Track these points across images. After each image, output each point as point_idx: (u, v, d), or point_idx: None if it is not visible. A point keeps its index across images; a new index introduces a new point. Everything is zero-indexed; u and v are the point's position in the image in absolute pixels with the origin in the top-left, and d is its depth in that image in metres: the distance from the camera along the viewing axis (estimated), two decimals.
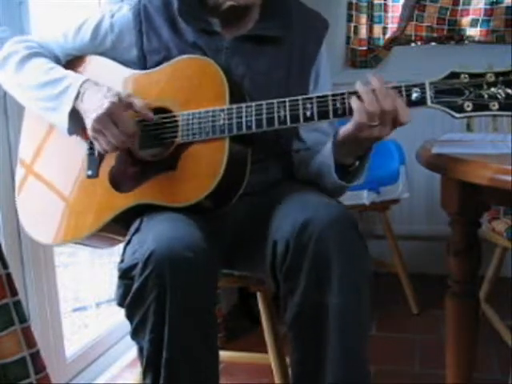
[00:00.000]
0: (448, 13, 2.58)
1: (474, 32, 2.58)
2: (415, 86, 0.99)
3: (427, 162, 1.15)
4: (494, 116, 0.97)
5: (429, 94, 0.98)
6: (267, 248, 1.08)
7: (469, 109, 0.96)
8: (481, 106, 0.96)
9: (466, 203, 1.17)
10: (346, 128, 1.04)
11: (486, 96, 0.96)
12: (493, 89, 0.95)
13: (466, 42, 2.63)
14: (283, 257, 1.03)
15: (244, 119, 1.07)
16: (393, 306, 2.34)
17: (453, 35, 2.63)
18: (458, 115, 0.97)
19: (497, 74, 0.95)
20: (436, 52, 2.66)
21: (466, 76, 0.97)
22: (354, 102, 0.99)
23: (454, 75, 0.98)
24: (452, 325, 1.27)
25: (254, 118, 1.07)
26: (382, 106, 0.96)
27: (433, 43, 2.71)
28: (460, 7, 2.57)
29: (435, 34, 2.64)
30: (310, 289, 1.01)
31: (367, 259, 1.03)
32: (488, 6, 2.52)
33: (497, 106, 0.95)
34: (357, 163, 1.11)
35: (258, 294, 1.36)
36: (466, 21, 2.58)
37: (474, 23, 2.56)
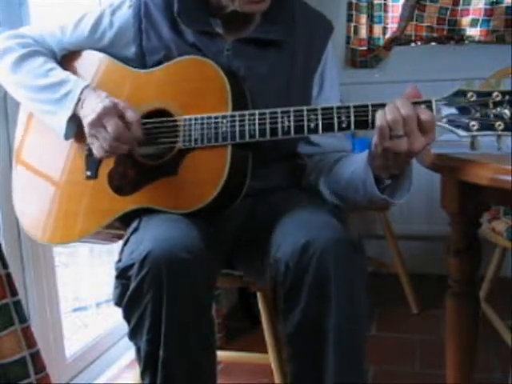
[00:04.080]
0: (448, 13, 2.58)
1: (474, 32, 2.58)
2: (422, 102, 0.97)
3: (427, 162, 1.14)
4: (499, 136, 0.95)
5: (435, 111, 0.96)
6: (268, 264, 1.07)
7: (474, 128, 0.95)
8: (486, 126, 0.95)
9: (466, 203, 1.16)
10: (374, 137, 1.00)
11: (491, 115, 0.94)
12: (499, 108, 0.94)
13: (466, 41, 2.63)
14: (284, 278, 1.02)
15: (247, 127, 1.05)
16: (393, 306, 2.34)
17: (453, 35, 2.63)
18: (463, 134, 0.96)
19: (503, 93, 0.94)
20: (436, 52, 2.66)
21: (473, 94, 0.95)
22: (378, 112, 0.97)
23: (461, 93, 0.96)
24: (452, 325, 1.26)
25: (257, 126, 1.05)
26: (401, 111, 0.94)
27: (433, 43, 2.71)
28: (460, 7, 2.57)
29: (435, 34, 2.64)
30: (309, 309, 1.00)
31: (364, 278, 1.03)
32: (488, 6, 2.52)
33: (502, 126, 0.94)
34: (387, 182, 1.06)
35: (258, 294, 1.36)
36: (465, 21, 2.58)
37: (474, 23, 2.56)
